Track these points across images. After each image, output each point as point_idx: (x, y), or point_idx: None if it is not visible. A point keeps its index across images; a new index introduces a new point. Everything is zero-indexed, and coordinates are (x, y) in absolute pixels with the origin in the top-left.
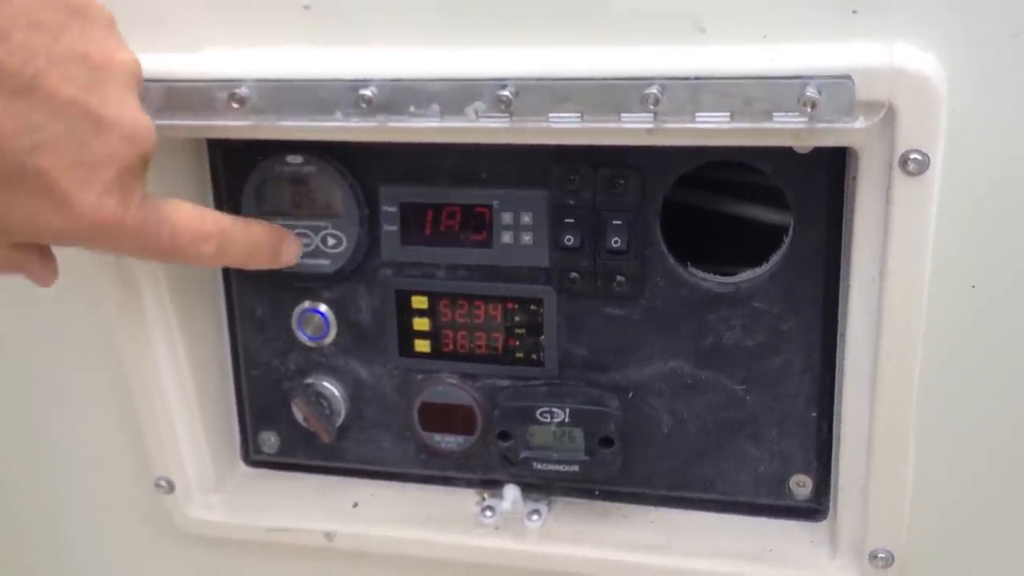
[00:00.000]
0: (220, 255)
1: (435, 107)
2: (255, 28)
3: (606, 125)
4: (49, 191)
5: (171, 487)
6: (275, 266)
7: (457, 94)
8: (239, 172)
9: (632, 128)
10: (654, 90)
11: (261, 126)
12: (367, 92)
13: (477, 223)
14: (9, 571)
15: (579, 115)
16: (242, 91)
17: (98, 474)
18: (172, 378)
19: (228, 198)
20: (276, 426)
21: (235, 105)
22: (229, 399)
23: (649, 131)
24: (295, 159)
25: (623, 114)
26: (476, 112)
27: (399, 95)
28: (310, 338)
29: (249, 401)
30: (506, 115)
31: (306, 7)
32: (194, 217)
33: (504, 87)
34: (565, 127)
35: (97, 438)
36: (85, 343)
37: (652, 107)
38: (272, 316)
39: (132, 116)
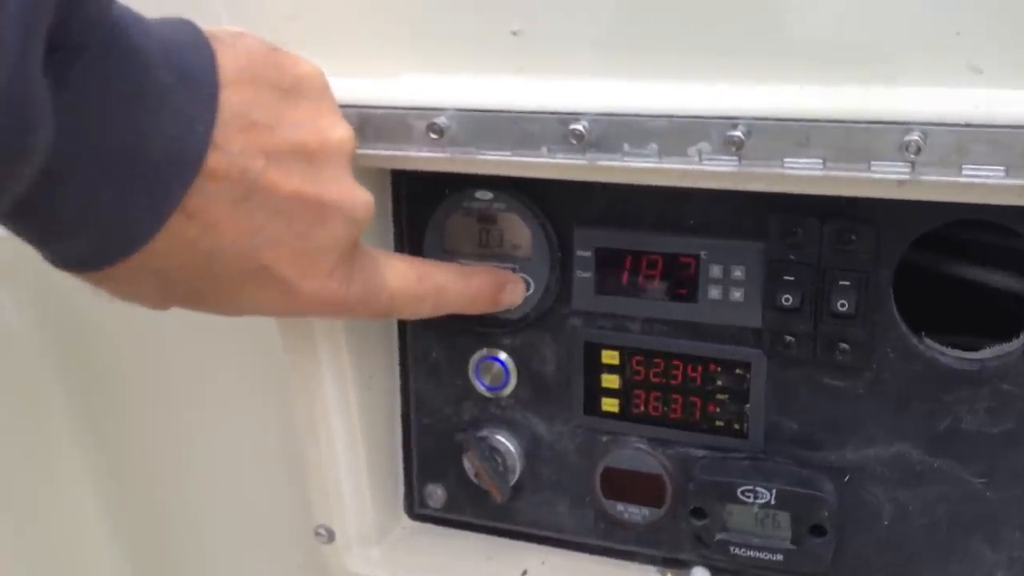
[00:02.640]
0: (437, 310)
1: (653, 146)
2: (457, 54)
3: (852, 174)
4: (273, 282)
5: (331, 536)
6: (496, 310)
7: (679, 132)
8: (423, 205)
9: (883, 179)
10: (915, 136)
11: (459, 159)
12: (578, 127)
13: (681, 275)
14: None
15: (821, 161)
16: (441, 121)
17: (256, 517)
18: (340, 421)
19: (409, 232)
20: (444, 479)
21: (433, 135)
22: (396, 447)
23: (901, 183)
24: (484, 195)
25: (874, 162)
26: (700, 153)
27: (613, 131)
28: (487, 388)
29: (418, 451)
30: (735, 158)
31: (514, 33)
32: (410, 277)
33: (735, 126)
34: (803, 174)
35: (258, 479)
36: (252, 380)
37: (912, 155)
38: (448, 362)
39: (351, 196)
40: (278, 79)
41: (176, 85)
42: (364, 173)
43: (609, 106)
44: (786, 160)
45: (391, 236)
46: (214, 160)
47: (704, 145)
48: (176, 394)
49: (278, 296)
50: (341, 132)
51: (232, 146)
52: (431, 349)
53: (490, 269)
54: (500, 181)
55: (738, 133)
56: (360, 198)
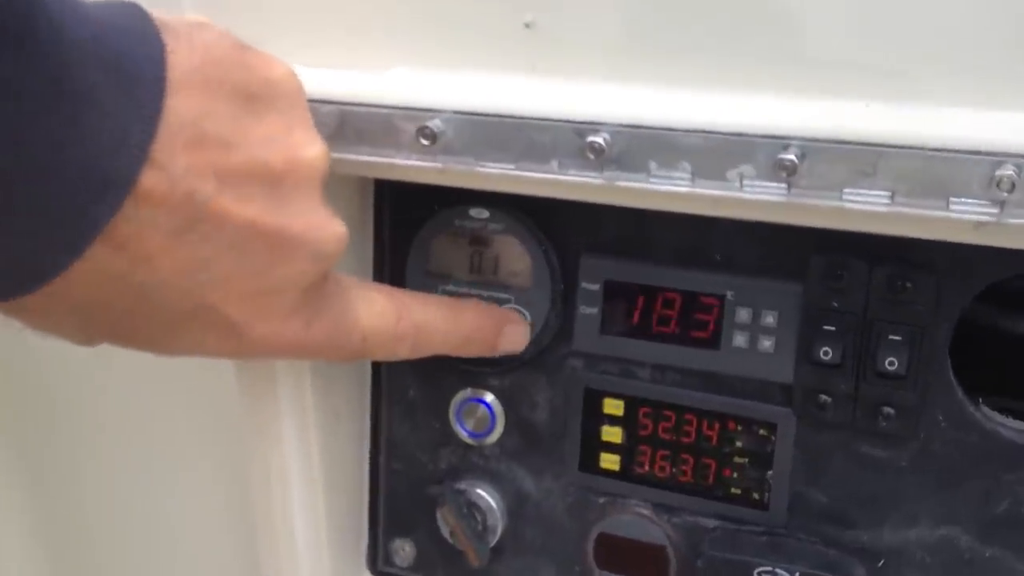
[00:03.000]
0: (418, 351)
1: (685, 166)
2: (458, 47)
3: (926, 212)
4: (219, 324)
5: None
6: (491, 355)
7: (718, 151)
8: (409, 221)
9: (963, 219)
10: (1009, 171)
11: (453, 170)
12: (597, 139)
13: (702, 316)
14: None
15: (888, 195)
16: (435, 124)
17: (198, 570)
18: (299, 465)
19: (392, 251)
20: (414, 534)
21: (424, 141)
22: (362, 495)
23: (979, 225)
24: (479, 213)
25: (954, 199)
26: (741, 178)
27: (639, 146)
28: (470, 434)
29: (385, 500)
30: (783, 185)
31: (528, 24)
32: (388, 315)
33: (786, 147)
34: (866, 209)
35: (201, 525)
36: (202, 417)
37: (1004, 193)
38: (427, 402)
39: (320, 228)
40: (243, 84)
41: (107, 84)
42: (342, 182)
43: (635, 116)
44: (846, 191)
45: (369, 256)
46: (151, 180)
47: (747, 168)
48: (115, 431)
49: (225, 339)
50: (314, 151)
51: (176, 164)
52: (408, 386)
53: (486, 306)
54: (498, 198)
55: (790, 156)
56: (331, 231)
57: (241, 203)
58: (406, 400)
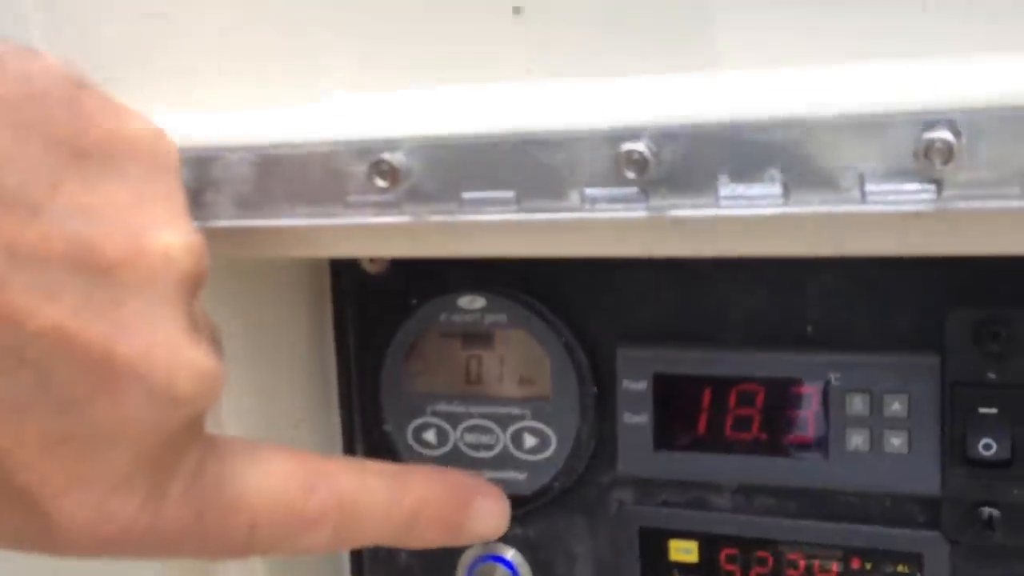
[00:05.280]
0: (343, 540)
1: (773, 174)
2: (420, 56)
3: None
4: (7, 495)
5: None
6: (455, 544)
7: (825, 146)
8: (378, 325)
9: None
10: None
11: (425, 221)
12: (637, 147)
13: (799, 413)
14: None
15: None
16: (395, 158)
17: None
18: None
19: (360, 369)
20: None
21: (380, 182)
22: None
23: None
24: (473, 302)
25: None
26: (862, 181)
27: (699, 152)
28: None
29: None
30: (930, 185)
31: (516, 9)
32: (293, 487)
33: (932, 125)
34: None
35: None
36: None
37: None
38: (424, 567)
39: (169, 355)
40: (72, 133)
41: None
42: (280, 273)
43: (690, 112)
44: None
45: (332, 379)
46: None
47: (871, 165)
48: None
49: (15, 517)
50: (171, 238)
51: None
52: (399, 548)
53: (446, 472)
54: (495, 277)
55: (942, 135)
56: (187, 362)
57: (42, 297)
58: (396, 567)
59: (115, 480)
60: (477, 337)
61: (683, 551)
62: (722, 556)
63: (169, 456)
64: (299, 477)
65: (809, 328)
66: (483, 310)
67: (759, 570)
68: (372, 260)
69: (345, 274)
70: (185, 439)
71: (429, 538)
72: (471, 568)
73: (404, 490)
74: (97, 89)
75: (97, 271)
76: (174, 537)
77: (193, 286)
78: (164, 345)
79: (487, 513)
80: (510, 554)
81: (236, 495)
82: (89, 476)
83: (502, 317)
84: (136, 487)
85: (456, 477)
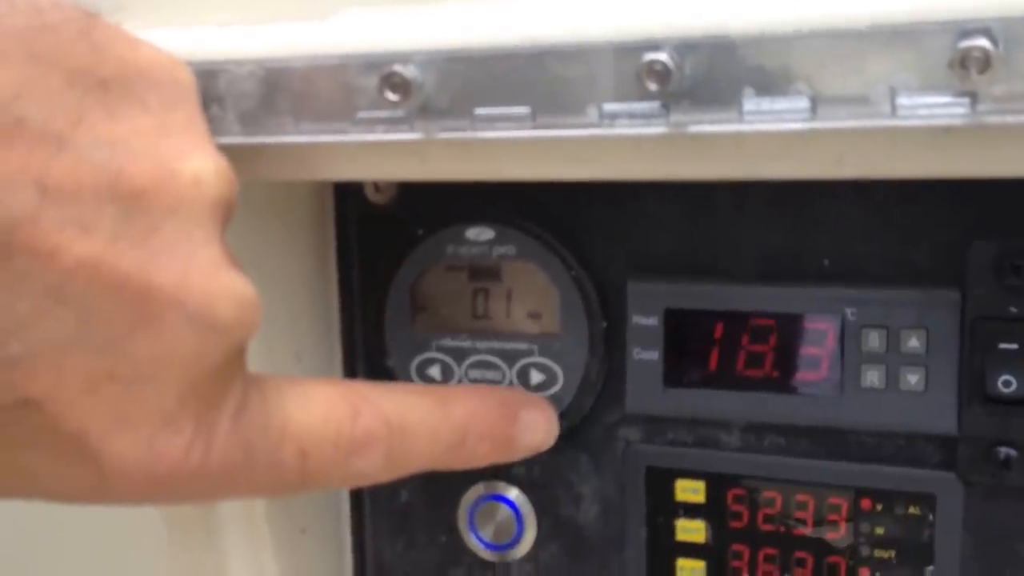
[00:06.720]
0: (395, 464)
1: (801, 88)
2: None
3: None
4: (48, 436)
5: None
6: (506, 460)
7: (853, 56)
8: (384, 257)
9: None
10: None
11: (439, 141)
12: (659, 57)
13: (813, 349)
14: None
15: None
16: (407, 70)
17: None
18: None
19: (363, 302)
20: None
21: (392, 95)
22: None
23: None
24: (481, 233)
25: None
26: (893, 94)
27: (723, 64)
28: (489, 546)
29: None
30: (964, 99)
31: None
32: (338, 412)
33: (967, 33)
34: None
35: None
36: None
37: None
38: (426, 506)
39: (206, 280)
40: (89, 64)
41: None
42: (282, 195)
43: (714, 22)
44: None
45: (334, 314)
46: None
47: (904, 77)
48: None
49: (68, 464)
50: (200, 165)
51: None
52: (400, 487)
53: (488, 388)
54: (504, 209)
55: (979, 43)
56: (226, 287)
57: (76, 231)
58: (398, 506)
59: (162, 417)
60: (484, 270)
61: (691, 491)
62: (729, 496)
63: (214, 391)
64: (343, 402)
65: (825, 262)
66: (491, 242)
67: (767, 511)
68: (378, 189)
69: (350, 204)
70: (228, 373)
71: (481, 454)
72: (473, 508)
73: (449, 407)
74: (107, 19)
75: (128, 200)
76: (225, 474)
77: (225, 211)
78: (200, 271)
79: (535, 423)
80: (513, 494)
81: (282, 425)
82: (136, 415)
83: (511, 249)
84: (183, 424)
85: (499, 392)
